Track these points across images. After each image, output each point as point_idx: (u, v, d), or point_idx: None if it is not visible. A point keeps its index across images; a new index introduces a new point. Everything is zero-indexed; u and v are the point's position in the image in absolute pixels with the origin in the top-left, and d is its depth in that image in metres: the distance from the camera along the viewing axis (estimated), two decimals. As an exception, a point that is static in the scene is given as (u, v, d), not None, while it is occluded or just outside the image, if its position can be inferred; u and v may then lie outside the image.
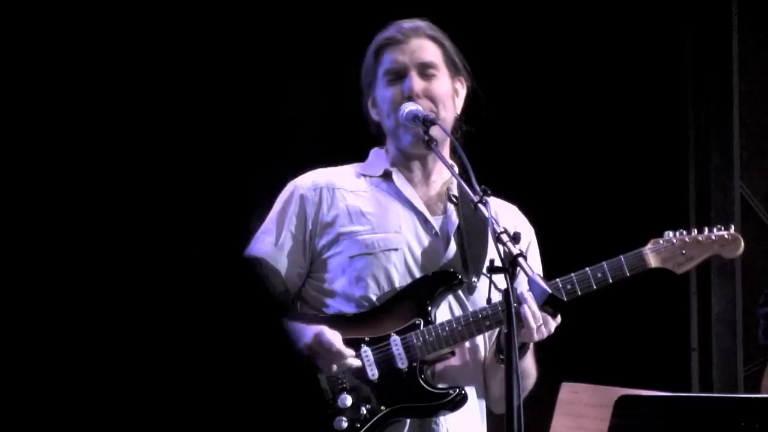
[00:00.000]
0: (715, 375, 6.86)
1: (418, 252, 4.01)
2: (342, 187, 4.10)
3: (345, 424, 3.90)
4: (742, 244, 4.18)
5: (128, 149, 6.19)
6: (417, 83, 4.03)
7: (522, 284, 3.63)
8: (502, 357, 3.85)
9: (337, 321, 3.88)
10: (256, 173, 6.21)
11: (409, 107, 3.99)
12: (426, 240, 4.02)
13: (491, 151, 6.01)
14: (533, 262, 4.03)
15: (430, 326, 3.92)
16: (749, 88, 7.02)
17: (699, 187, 6.97)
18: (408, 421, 3.94)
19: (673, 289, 6.80)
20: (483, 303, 3.90)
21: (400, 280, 3.98)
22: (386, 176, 4.12)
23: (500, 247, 3.47)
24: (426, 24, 4.12)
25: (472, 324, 3.91)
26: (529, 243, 4.12)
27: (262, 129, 6.47)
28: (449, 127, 4.03)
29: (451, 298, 3.99)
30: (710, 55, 6.98)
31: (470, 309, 3.97)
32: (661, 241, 4.09)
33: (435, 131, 3.95)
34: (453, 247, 4.01)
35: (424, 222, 4.04)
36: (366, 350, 3.92)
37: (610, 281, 4.00)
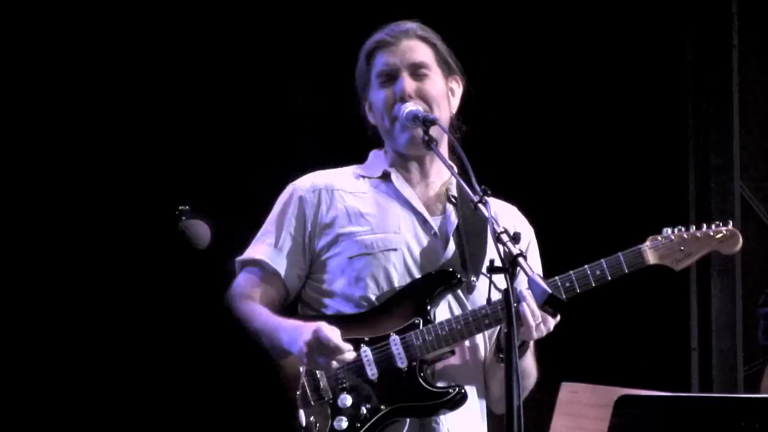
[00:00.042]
0: (714, 375, 6.86)
1: (417, 252, 4.01)
2: (341, 189, 4.10)
3: (345, 424, 3.90)
4: (741, 239, 4.18)
5: (127, 150, 6.19)
6: (408, 84, 4.03)
7: (521, 283, 3.63)
8: (501, 356, 3.85)
9: (336, 321, 3.88)
10: (255, 175, 6.21)
11: (409, 107, 3.99)
12: (425, 240, 4.03)
13: (491, 150, 6.02)
14: (533, 262, 4.03)
15: (430, 325, 3.93)
16: (749, 88, 7.02)
17: (699, 187, 6.97)
18: (408, 420, 3.94)
19: (673, 289, 6.80)
20: (482, 302, 3.90)
21: (399, 280, 3.98)
22: (385, 177, 4.12)
23: (500, 247, 3.47)
24: (416, 25, 4.13)
25: (472, 323, 3.91)
26: (529, 243, 4.12)
27: (260, 131, 6.47)
28: (445, 126, 4.03)
29: (450, 297, 4.00)
30: (710, 55, 6.98)
31: (469, 308, 3.97)
32: (659, 238, 4.10)
33: (434, 131, 3.95)
34: (452, 247, 4.01)
35: (423, 222, 4.05)
36: (365, 350, 3.93)
37: (609, 278, 4.00)
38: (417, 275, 3.98)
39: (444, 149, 4.03)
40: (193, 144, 6.34)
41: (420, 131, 3.96)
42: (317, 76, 6.24)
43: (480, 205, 3.65)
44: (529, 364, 4.00)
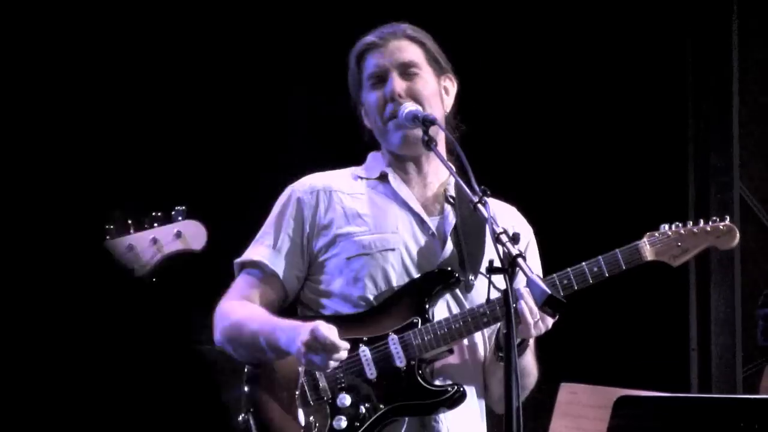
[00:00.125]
0: (714, 376, 6.86)
1: (414, 252, 4.01)
2: (339, 190, 4.10)
3: (344, 423, 3.90)
4: (738, 234, 4.18)
5: (126, 151, 6.19)
6: (398, 84, 4.03)
7: (520, 283, 3.63)
8: (501, 355, 3.85)
9: (335, 321, 3.88)
10: (253, 178, 6.22)
11: (408, 108, 3.99)
12: (423, 240, 4.03)
13: (492, 149, 6.02)
14: (532, 262, 4.03)
15: (428, 324, 3.92)
16: (749, 88, 7.02)
17: (698, 188, 6.97)
18: (406, 419, 3.94)
19: (672, 289, 6.80)
20: (481, 301, 3.90)
21: (397, 279, 3.98)
22: (382, 178, 4.12)
23: (499, 247, 3.47)
24: (405, 25, 4.13)
25: (470, 321, 3.91)
26: (528, 243, 4.12)
27: (258, 134, 6.47)
28: (442, 125, 4.03)
29: (448, 296, 4.00)
30: (710, 55, 6.98)
31: (468, 307, 3.97)
32: (656, 234, 4.10)
33: (433, 131, 3.95)
34: (450, 247, 4.01)
35: (421, 222, 4.05)
36: (364, 350, 3.92)
37: (607, 275, 4.00)
38: (415, 275, 3.98)
39: (441, 149, 4.02)
40: (192, 145, 6.35)
41: (418, 131, 3.96)
42: (316, 77, 6.24)
43: (479, 206, 3.64)
44: (528, 362, 4.00)
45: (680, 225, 4.13)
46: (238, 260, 4.12)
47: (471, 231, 4.00)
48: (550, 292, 3.35)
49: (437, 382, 3.95)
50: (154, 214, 4.08)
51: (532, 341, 3.96)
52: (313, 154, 6.29)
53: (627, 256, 4.03)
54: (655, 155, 6.88)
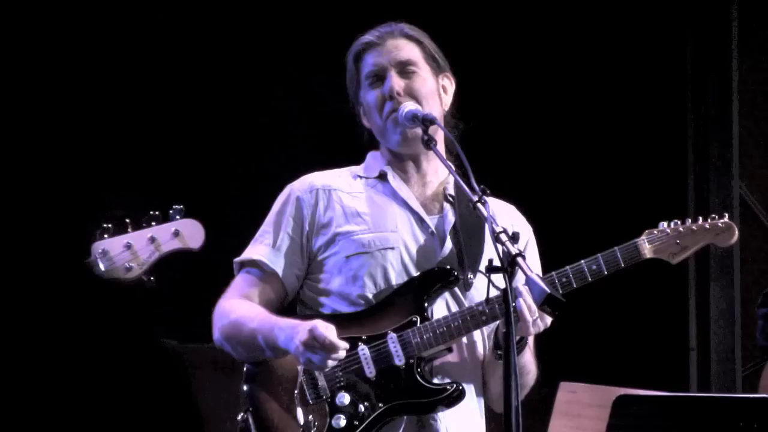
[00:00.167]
0: (713, 375, 6.86)
1: (414, 250, 4.01)
2: (338, 189, 4.11)
3: (343, 422, 3.90)
4: (737, 231, 4.19)
5: (124, 150, 6.19)
6: (397, 82, 4.03)
7: (519, 281, 3.63)
8: (500, 353, 3.86)
9: (334, 320, 3.88)
10: (252, 177, 6.22)
11: (408, 107, 3.99)
12: (422, 238, 4.03)
13: (493, 147, 6.02)
14: (531, 261, 4.03)
15: (427, 323, 3.93)
16: (749, 88, 7.02)
17: (698, 188, 6.98)
18: (405, 417, 3.94)
19: (672, 289, 6.81)
20: (480, 300, 3.90)
21: (396, 278, 3.98)
22: (382, 177, 4.12)
23: (499, 246, 3.47)
24: (402, 24, 4.13)
25: (469, 320, 3.91)
26: (527, 242, 4.12)
27: (257, 133, 6.47)
28: (441, 124, 4.03)
29: (447, 295, 4.00)
30: (710, 55, 6.98)
31: (467, 305, 3.97)
32: (655, 232, 4.11)
33: (433, 130, 3.95)
34: (449, 245, 4.01)
35: (420, 221, 4.05)
36: (363, 348, 3.93)
37: (606, 273, 4.00)
38: (414, 274, 3.98)
39: (440, 148, 4.02)
40: (190, 144, 6.35)
41: (418, 130, 3.96)
42: (315, 75, 6.24)
43: (479, 205, 3.65)
44: (527, 360, 4.00)
45: (679, 223, 4.14)
46: (237, 259, 4.12)
47: (470, 230, 4.01)
48: (549, 290, 3.35)
49: (436, 381, 3.95)
50: (151, 212, 4.07)
51: (531, 339, 3.97)
52: (312, 153, 6.29)
53: (626, 254, 4.03)
54: (654, 154, 6.88)
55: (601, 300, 5.48)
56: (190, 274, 5.38)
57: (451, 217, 4.05)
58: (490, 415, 4.09)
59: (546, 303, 3.37)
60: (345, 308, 3.99)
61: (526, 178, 6.53)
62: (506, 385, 3.39)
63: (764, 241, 6.99)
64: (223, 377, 5.99)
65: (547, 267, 4.07)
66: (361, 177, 4.15)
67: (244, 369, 3.99)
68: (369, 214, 4.05)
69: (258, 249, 4.09)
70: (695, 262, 6.86)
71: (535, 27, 6.78)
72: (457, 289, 3.99)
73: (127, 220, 3.97)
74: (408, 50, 4.08)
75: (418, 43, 4.11)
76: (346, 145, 4.20)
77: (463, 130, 4.13)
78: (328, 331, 3.78)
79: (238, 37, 6.40)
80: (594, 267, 3.98)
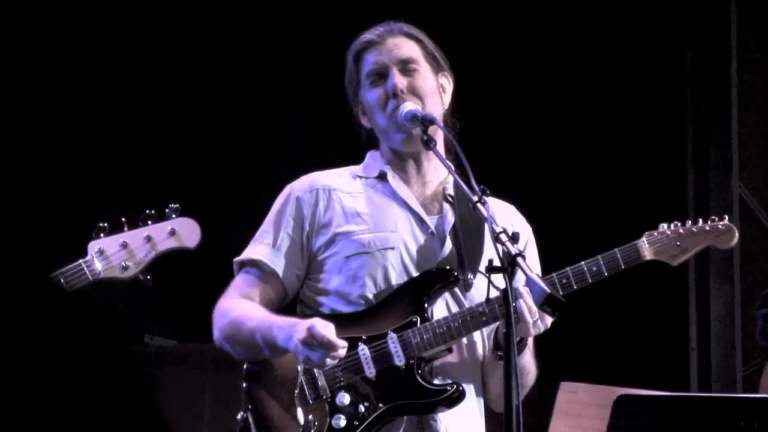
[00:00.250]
0: (713, 375, 6.86)
1: (414, 251, 4.01)
2: (338, 189, 4.10)
3: (343, 422, 3.90)
4: (737, 233, 4.18)
5: (121, 149, 6.19)
6: (399, 80, 4.03)
7: (519, 282, 3.63)
8: (500, 354, 3.85)
9: (333, 320, 3.88)
10: (251, 177, 6.21)
11: (408, 107, 3.99)
12: (422, 239, 4.02)
13: (493, 147, 6.02)
14: (531, 261, 4.02)
15: (427, 323, 3.92)
16: (748, 89, 7.02)
17: (697, 188, 6.98)
18: (405, 418, 3.94)
19: (672, 289, 6.81)
20: (480, 300, 3.90)
21: (396, 278, 3.98)
22: (381, 177, 4.12)
23: (499, 247, 3.47)
24: (401, 23, 4.13)
25: (469, 320, 3.91)
26: (527, 242, 4.12)
27: (256, 133, 6.47)
28: (440, 123, 4.03)
29: (447, 295, 3.99)
30: (710, 56, 6.98)
31: (467, 306, 3.97)
32: (655, 233, 4.10)
33: (432, 130, 3.95)
34: (449, 246, 4.01)
35: (420, 221, 4.04)
36: (363, 348, 3.92)
37: (606, 274, 4.00)
38: (414, 274, 3.98)
39: (440, 148, 4.02)
40: (187, 143, 6.35)
41: (418, 130, 3.96)
42: (314, 75, 6.24)
43: (479, 205, 3.64)
44: (527, 361, 4.00)
45: (679, 224, 4.13)
46: (237, 259, 4.12)
47: (470, 230, 4.00)
48: (549, 291, 3.35)
49: (436, 381, 3.95)
50: (147, 211, 4.08)
51: (530, 340, 3.96)
52: (312, 153, 6.29)
53: (626, 255, 4.03)
54: (654, 155, 6.88)
55: (602, 300, 5.48)
56: (191, 274, 5.38)
57: (450, 218, 4.05)
58: (490, 415, 4.09)
59: (546, 303, 3.37)
60: (345, 308, 3.99)
61: (526, 178, 6.53)
62: (507, 385, 3.38)
63: (764, 242, 6.99)
64: (224, 377, 6.00)
65: (547, 267, 4.07)
66: (360, 177, 4.15)
67: (244, 367, 3.98)
68: (369, 214, 4.05)
69: (258, 249, 4.09)
70: (695, 263, 6.86)
71: (535, 27, 6.78)
72: (457, 290, 3.99)
73: (123, 219, 3.97)
74: (409, 48, 4.08)
75: (418, 41, 4.11)
76: (346, 145, 4.20)
77: (463, 130, 4.13)
78: (326, 329, 3.78)
79: (238, 37, 6.40)
80: (594, 268, 3.98)
